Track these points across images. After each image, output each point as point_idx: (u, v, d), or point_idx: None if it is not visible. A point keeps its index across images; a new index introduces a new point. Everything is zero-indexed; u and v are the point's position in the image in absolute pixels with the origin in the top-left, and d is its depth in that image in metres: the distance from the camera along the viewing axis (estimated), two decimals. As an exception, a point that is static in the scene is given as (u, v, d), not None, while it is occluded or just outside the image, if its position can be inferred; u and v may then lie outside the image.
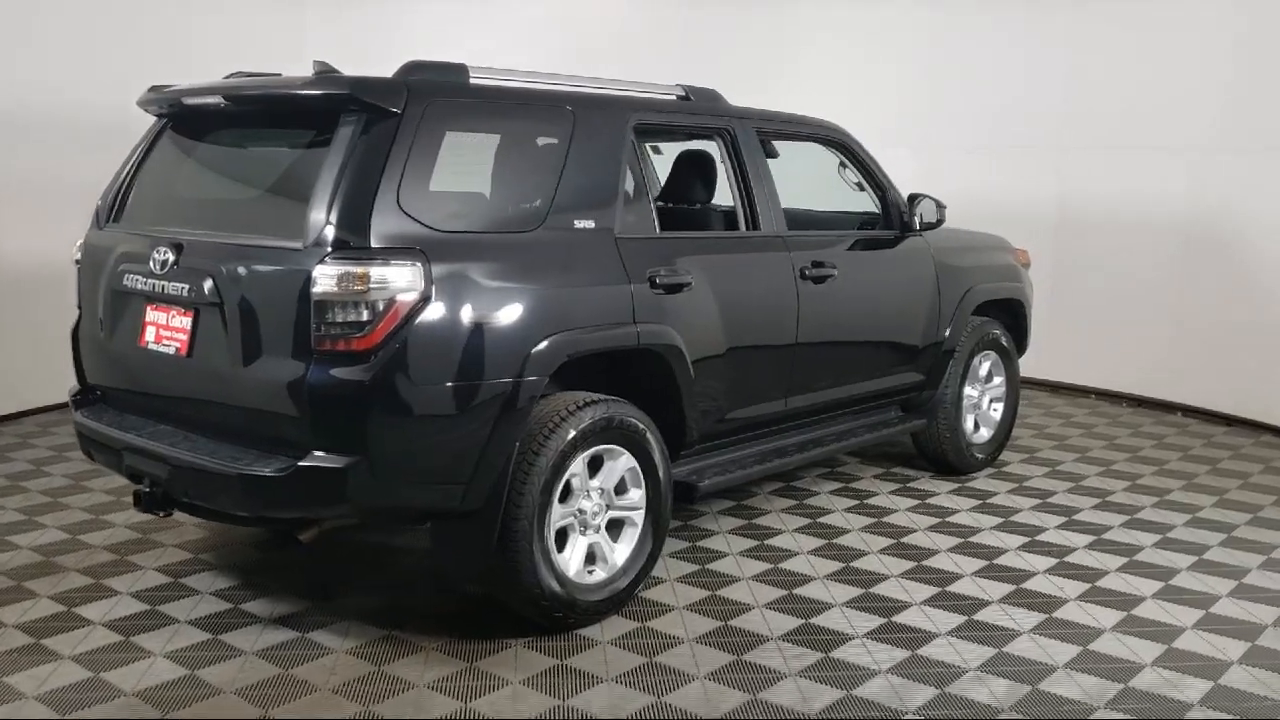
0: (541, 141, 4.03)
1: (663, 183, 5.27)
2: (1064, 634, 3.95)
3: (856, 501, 5.43)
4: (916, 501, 5.45)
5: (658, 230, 4.26)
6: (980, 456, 5.95)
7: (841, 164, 5.38)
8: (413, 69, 3.71)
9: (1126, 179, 7.68)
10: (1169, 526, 5.13)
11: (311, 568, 4.50)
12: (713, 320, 4.34)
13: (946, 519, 5.20)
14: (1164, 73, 7.47)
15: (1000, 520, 5.19)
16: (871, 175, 5.37)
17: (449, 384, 3.47)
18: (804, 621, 4.03)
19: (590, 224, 3.94)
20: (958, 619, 4.07)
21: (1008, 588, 4.37)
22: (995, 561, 4.65)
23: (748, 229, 4.69)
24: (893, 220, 5.41)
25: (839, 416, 5.27)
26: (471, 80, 3.82)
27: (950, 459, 5.84)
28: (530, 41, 8.60)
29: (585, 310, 3.82)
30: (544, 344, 3.65)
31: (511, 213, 3.86)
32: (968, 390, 5.89)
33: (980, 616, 4.09)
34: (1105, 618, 4.10)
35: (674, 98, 4.61)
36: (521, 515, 3.66)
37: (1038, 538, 4.95)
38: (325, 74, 3.66)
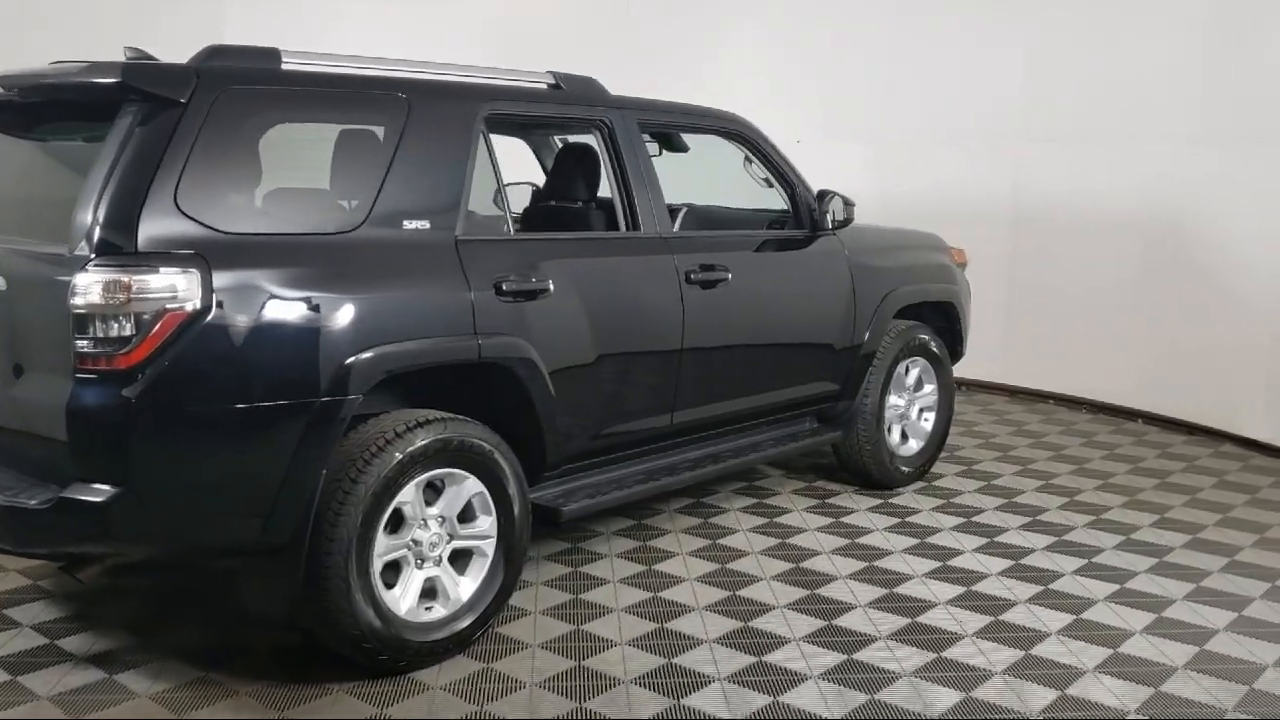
0: (367, 133, 3.66)
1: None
2: (950, 678, 3.57)
3: (765, 520, 5.05)
4: (829, 520, 5.07)
5: (512, 231, 3.88)
6: (907, 470, 5.56)
7: (746, 159, 5.00)
8: (213, 54, 3.35)
9: (1087, 173, 7.26)
10: (1096, 550, 4.73)
11: (150, 596, 4.16)
12: (578, 330, 3.97)
13: (856, 540, 4.82)
14: (1127, 60, 7.04)
15: (914, 542, 4.80)
16: (778, 170, 4.98)
17: (237, 405, 3.11)
18: (666, 661, 3.66)
19: (424, 225, 3.58)
20: (836, 658, 3.70)
21: (901, 621, 3.99)
22: (896, 590, 4.27)
23: (627, 229, 4.31)
24: (802, 218, 5.02)
25: (740, 430, 4.89)
26: (284, 66, 3.46)
27: (872, 473, 5.45)
28: (459, 30, 8.25)
29: (410, 321, 3.46)
30: (357, 359, 3.29)
31: (325, 213, 3.50)
32: (893, 399, 5.50)
33: (861, 656, 3.71)
34: (1000, 657, 3.72)
35: (543, 86, 4.24)
36: (335, 549, 3.30)
37: (950, 563, 4.56)
38: (133, 61, 3.31)
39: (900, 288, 5.39)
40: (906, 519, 5.11)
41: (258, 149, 3.37)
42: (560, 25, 8.48)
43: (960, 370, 7.80)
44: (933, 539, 4.85)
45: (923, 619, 4.01)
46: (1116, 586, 4.33)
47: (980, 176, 7.77)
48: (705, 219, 5.49)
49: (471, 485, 3.66)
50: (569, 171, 4.59)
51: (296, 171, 3.85)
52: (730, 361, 4.64)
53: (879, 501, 5.36)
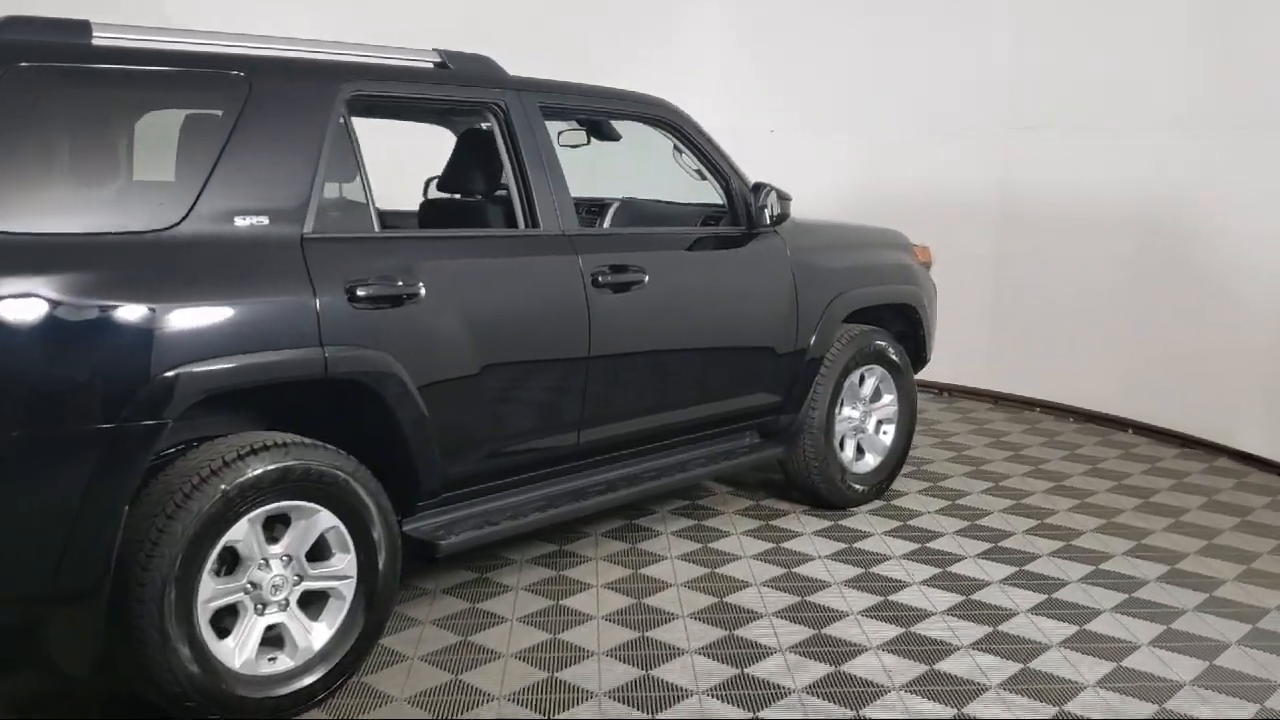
0: (199, 118, 3.22)
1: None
2: (865, 743, 3.10)
3: (698, 546, 4.59)
4: (769, 546, 4.59)
5: (377, 229, 3.43)
6: (861, 489, 5.07)
7: (676, 148, 4.52)
8: (5, 25, 2.92)
9: (1076, 165, 6.74)
10: (1058, 584, 4.24)
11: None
12: (457, 340, 3.52)
13: (793, 569, 4.34)
14: (1120, 46, 6.51)
15: (856, 573, 4.32)
16: (709, 161, 4.51)
17: (14, 433, 2.67)
18: (543, 718, 3.22)
19: (261, 221, 3.13)
20: (742, 716, 3.23)
21: (822, 670, 3.51)
22: (826, 631, 3.79)
23: (525, 225, 3.85)
24: (738, 214, 4.54)
25: (665, 448, 4.42)
26: (95, 40, 3.02)
27: (822, 492, 4.97)
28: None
29: (237, 332, 3.01)
30: (167, 377, 2.85)
31: (137, 208, 3.05)
32: (845, 411, 5.02)
33: (769, 716, 3.24)
34: (929, 713, 3.24)
35: (426, 65, 3.78)
36: (147, 596, 2.87)
37: (892, 597, 4.08)
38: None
39: (851, 289, 4.90)
40: (854, 545, 4.63)
41: (61, 134, 2.94)
42: (520, 7, 8.01)
43: (943, 375, 7.36)
44: (878, 568, 4.37)
45: (850, 666, 3.54)
46: (1075, 629, 3.83)
47: (965, 167, 7.26)
48: (642, 215, 5.02)
49: (324, 519, 3.22)
50: (465, 161, 4.15)
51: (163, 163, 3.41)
52: (649, 373, 4.17)
53: (827, 524, 4.88)
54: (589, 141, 4.90)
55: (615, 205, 5.02)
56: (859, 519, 4.97)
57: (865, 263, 5.08)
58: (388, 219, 4.51)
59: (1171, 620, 3.91)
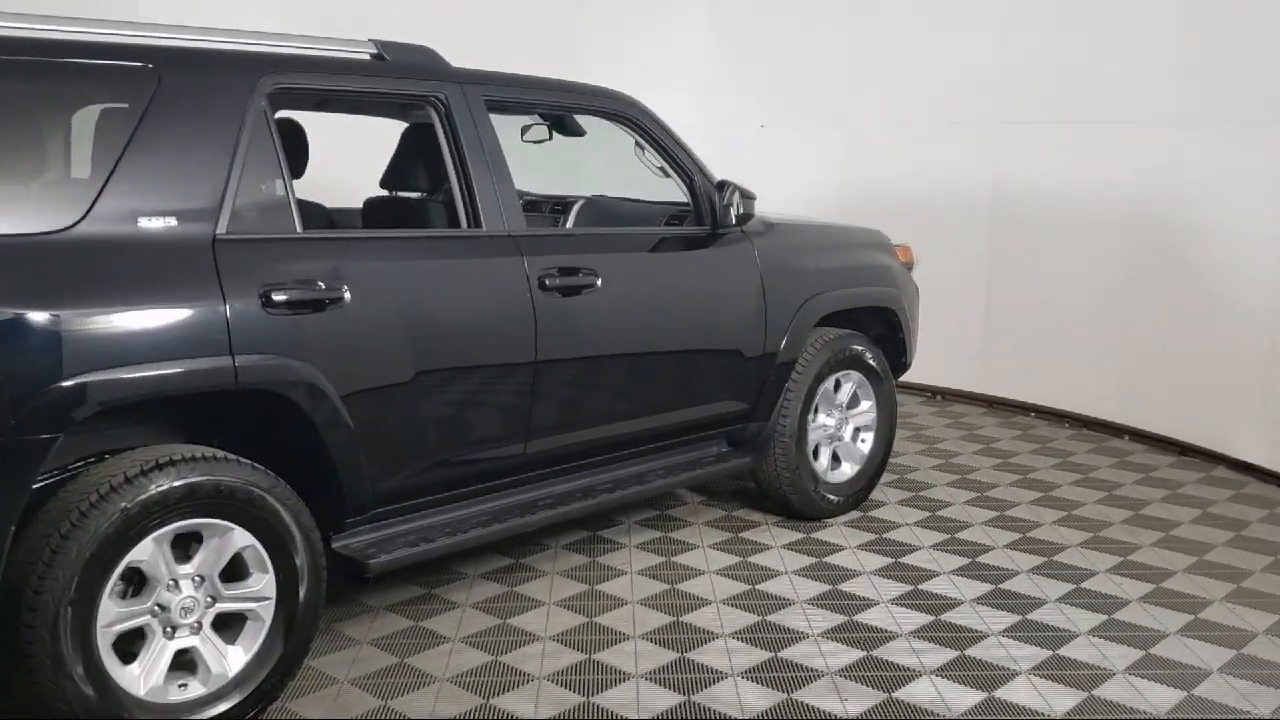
0: (111, 111, 3.04)
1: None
2: (809, 780, 2.90)
3: (661, 560, 4.39)
4: (734, 560, 4.39)
5: (299, 229, 3.24)
6: (836, 499, 4.86)
7: (638, 144, 4.32)
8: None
9: (1071, 160, 6.50)
10: (1035, 603, 4.02)
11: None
12: (387, 347, 3.33)
13: (756, 585, 4.14)
14: (1113, 39, 6.27)
15: (823, 590, 4.11)
16: (671, 158, 4.31)
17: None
18: (470, 752, 3.03)
19: (169, 223, 2.95)
20: (680, 751, 3.04)
21: (775, 697, 3.31)
22: (783, 655, 3.59)
23: (467, 225, 3.66)
24: (703, 213, 4.34)
25: (624, 459, 4.22)
26: (-16, 33, 2.85)
27: (794, 503, 4.77)
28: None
29: (139, 341, 2.83)
30: (55, 389, 2.67)
31: (28, 208, 2.86)
32: (820, 419, 4.81)
33: (710, 748, 3.05)
34: (881, 752, 3.04)
35: (363, 56, 3.59)
36: (39, 620, 2.70)
37: (857, 617, 3.87)
38: None
39: (825, 292, 4.69)
40: (824, 559, 4.42)
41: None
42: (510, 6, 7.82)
43: (935, 378, 7.13)
44: (846, 585, 4.16)
45: (805, 694, 3.33)
46: (1048, 654, 3.61)
47: (957, 164, 7.02)
48: (608, 214, 4.82)
49: (238, 538, 3.03)
50: (406, 157, 3.97)
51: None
52: (604, 381, 3.98)
53: (799, 537, 4.67)
54: (551, 137, 4.71)
55: (580, 204, 4.83)
56: (832, 531, 4.75)
57: (840, 263, 4.86)
58: (336, 218, 4.37)
59: (1151, 645, 3.69)
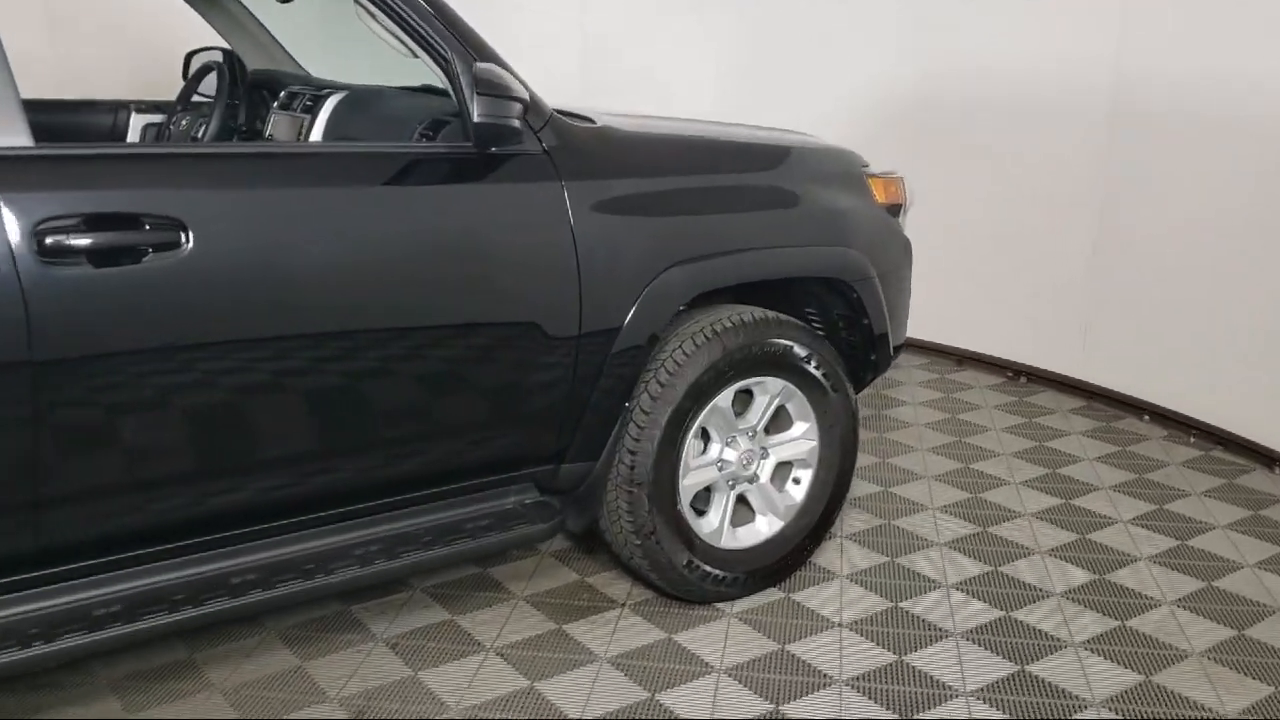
0: None
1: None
2: None
3: (406, 674, 2.80)
4: (521, 686, 2.75)
5: None
6: (729, 576, 3.11)
7: (358, 5, 2.60)
8: None
9: (1227, 43, 4.28)
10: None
11: None
12: None
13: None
14: None
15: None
16: (409, 26, 2.56)
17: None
18: None
19: None
20: None
21: None
22: None
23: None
24: (468, 124, 2.59)
25: (280, 529, 2.58)
26: None
27: (655, 583, 3.07)
28: None
29: None
30: None
31: None
32: (714, 451, 3.07)
33: None
34: None
35: None
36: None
37: None
38: None
39: (706, 253, 2.88)
40: (660, 694, 2.72)
41: None
42: None
43: (1021, 353, 5.17)
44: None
45: None
46: None
47: (1060, 36, 4.87)
48: (374, 116, 3.13)
49: None
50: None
51: None
52: (209, 409, 2.35)
53: (651, 641, 2.97)
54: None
55: (335, 101, 3.14)
56: (711, 630, 3.02)
57: (742, 204, 3.01)
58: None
59: None
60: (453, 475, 2.73)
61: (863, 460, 4.18)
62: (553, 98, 2.77)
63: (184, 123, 3.56)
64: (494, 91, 2.45)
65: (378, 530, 2.64)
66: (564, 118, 2.78)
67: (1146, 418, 4.75)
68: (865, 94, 5.54)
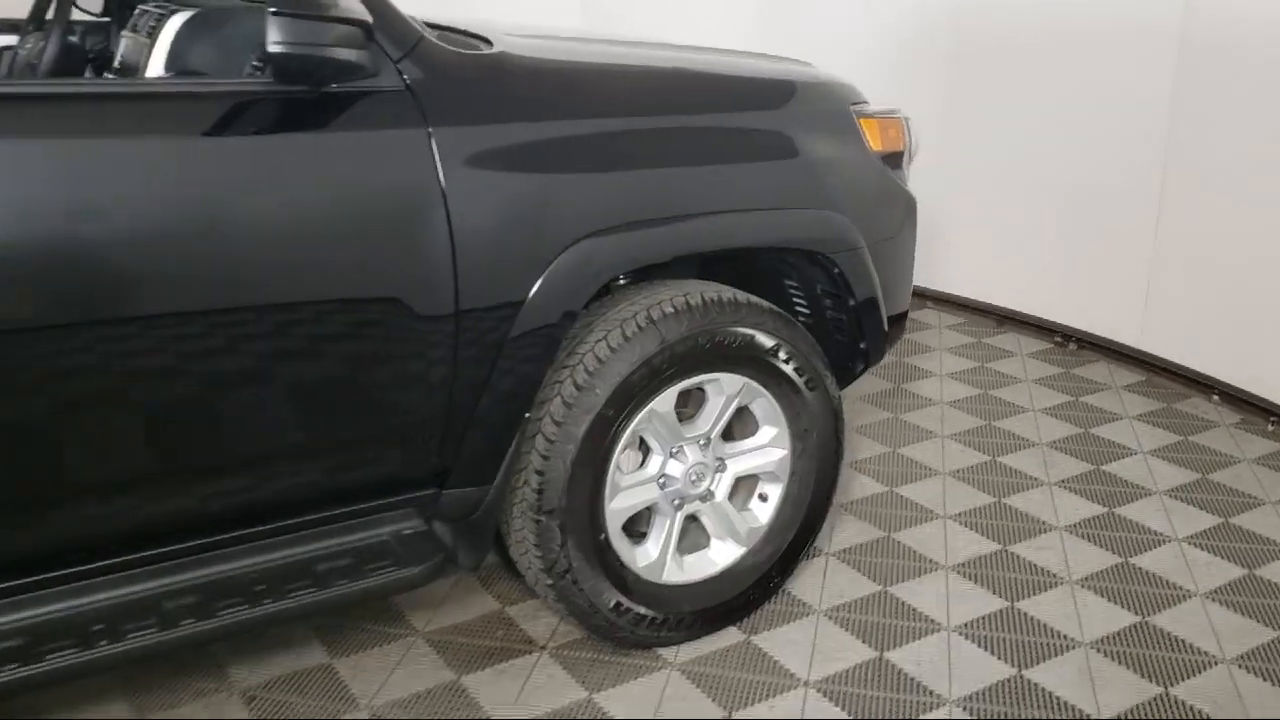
0: None
1: None
2: None
3: (256, 736, 2.27)
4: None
5: None
6: (671, 622, 2.51)
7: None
8: None
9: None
10: None
11: None
12: None
13: None
14: None
15: None
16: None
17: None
18: None
19: None
20: None
21: None
22: None
23: None
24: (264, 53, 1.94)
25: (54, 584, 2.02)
26: None
27: (581, 621, 2.49)
28: None
29: None
30: None
31: None
32: (655, 465, 2.46)
33: None
34: None
35: None
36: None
37: None
38: None
39: (636, 220, 2.24)
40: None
41: None
42: None
43: (1074, 317, 4.47)
44: None
45: None
46: None
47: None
48: (222, 42, 2.49)
49: None
50: None
51: None
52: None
53: (571, 700, 2.39)
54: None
55: (179, 23, 2.50)
56: (646, 686, 2.44)
57: (688, 157, 2.34)
58: None
59: None
60: (295, 506, 2.14)
61: (868, 449, 3.56)
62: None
63: (27, 48, 2.97)
64: (298, 10, 1.81)
65: (188, 576, 2.06)
66: (445, 43, 2.13)
67: (1216, 399, 4.02)
68: (897, 27, 4.78)
